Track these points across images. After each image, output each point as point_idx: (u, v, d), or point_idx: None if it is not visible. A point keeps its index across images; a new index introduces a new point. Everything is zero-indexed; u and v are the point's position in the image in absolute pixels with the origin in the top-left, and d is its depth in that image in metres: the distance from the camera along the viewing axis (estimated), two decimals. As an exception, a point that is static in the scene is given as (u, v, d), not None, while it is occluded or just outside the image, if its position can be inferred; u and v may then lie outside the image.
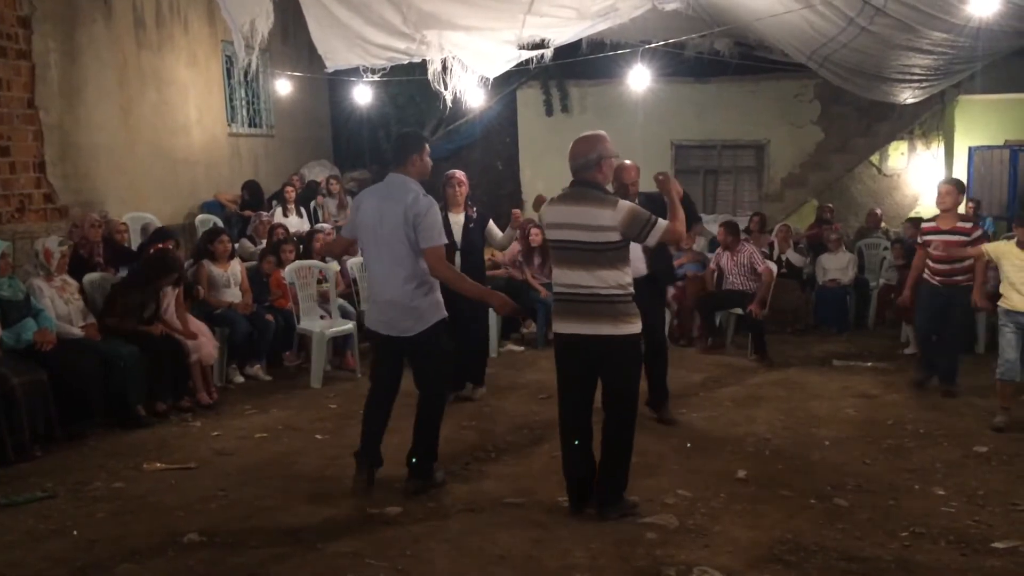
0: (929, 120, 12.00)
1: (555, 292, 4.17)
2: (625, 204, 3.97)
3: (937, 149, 12.15)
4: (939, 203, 6.30)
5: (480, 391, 6.45)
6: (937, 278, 6.34)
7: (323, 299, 7.52)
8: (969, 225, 6.27)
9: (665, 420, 5.75)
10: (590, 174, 4.05)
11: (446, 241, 4.39)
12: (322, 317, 7.36)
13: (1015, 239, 5.68)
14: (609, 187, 4.23)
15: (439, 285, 4.45)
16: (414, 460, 4.52)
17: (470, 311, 6.19)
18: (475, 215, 6.27)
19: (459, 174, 6.44)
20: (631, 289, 4.04)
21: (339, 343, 7.41)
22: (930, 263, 6.38)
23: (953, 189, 6.30)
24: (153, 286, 6.14)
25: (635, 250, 5.07)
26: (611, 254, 3.96)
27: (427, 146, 4.53)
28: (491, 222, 6.41)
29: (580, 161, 4.07)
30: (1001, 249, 5.76)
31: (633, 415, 4.16)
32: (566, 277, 4.06)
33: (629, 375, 4.12)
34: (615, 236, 3.93)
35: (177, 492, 4.63)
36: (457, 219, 6.22)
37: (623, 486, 4.20)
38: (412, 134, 4.66)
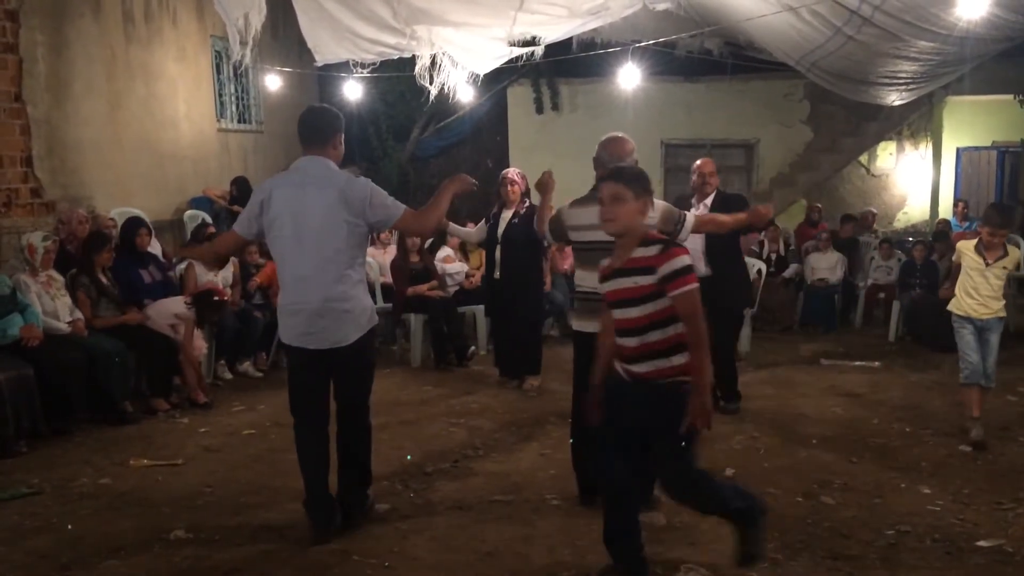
0: (917, 121, 12.07)
1: (580, 292, 4.23)
2: (659, 203, 4.17)
3: (925, 150, 12.23)
4: (630, 221, 3.31)
5: (533, 381, 6.55)
6: (621, 364, 3.38)
7: None
8: (655, 251, 3.20)
9: (728, 410, 5.91)
10: None
11: (404, 205, 3.88)
12: None
13: (977, 239, 5.29)
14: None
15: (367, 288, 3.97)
16: (348, 494, 4.00)
17: (515, 294, 6.38)
18: (524, 210, 6.46)
19: (511, 173, 6.59)
20: None
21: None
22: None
23: (628, 191, 3.31)
24: (93, 265, 6.11)
25: (693, 249, 5.32)
26: None
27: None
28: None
29: (617, 162, 4.12)
30: (964, 248, 5.32)
31: None
32: (595, 278, 4.07)
33: None
34: None
35: (163, 488, 4.62)
36: (506, 215, 6.54)
37: (654, 480, 4.24)
38: (332, 111, 3.95)
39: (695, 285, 3.19)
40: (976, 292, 5.26)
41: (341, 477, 4.02)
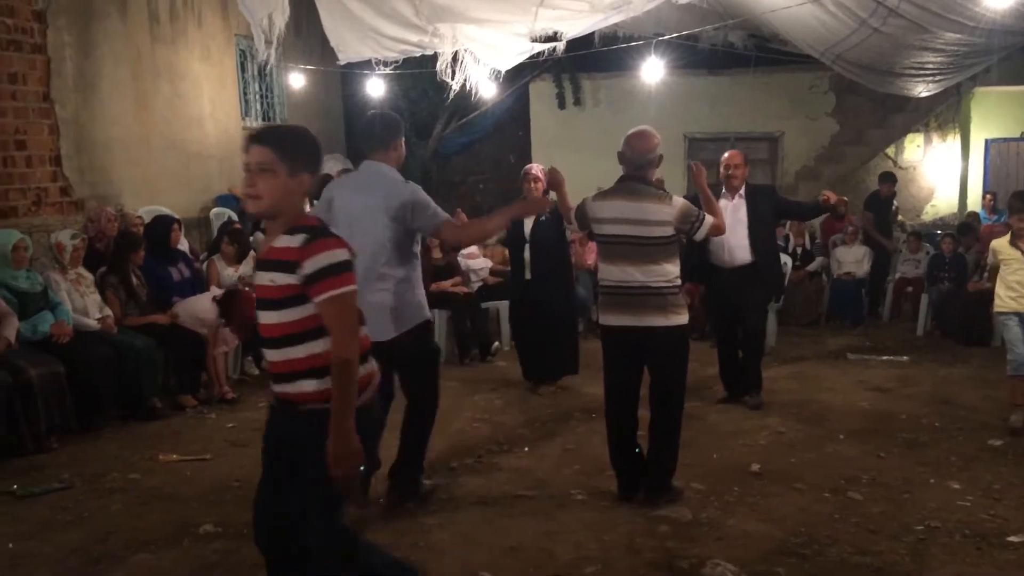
0: (945, 112, 11.91)
1: (603, 286, 4.26)
2: (679, 200, 4.18)
3: (953, 141, 12.07)
4: (281, 200, 2.55)
5: (566, 380, 6.48)
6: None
7: None
8: (299, 241, 2.46)
9: (752, 405, 5.92)
10: (648, 171, 4.20)
11: (446, 214, 4.05)
12: None
13: (1008, 233, 5.29)
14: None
15: (420, 285, 4.11)
16: (398, 474, 4.20)
17: (548, 296, 6.27)
18: (550, 208, 6.30)
19: (535, 169, 6.39)
20: (678, 281, 4.18)
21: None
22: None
23: (281, 164, 2.53)
24: (125, 264, 6.18)
25: (738, 238, 5.60)
26: (666, 248, 4.12)
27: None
28: None
29: (641, 158, 4.17)
30: (998, 246, 5.34)
31: (681, 405, 4.27)
32: (616, 272, 4.14)
33: (677, 365, 4.22)
34: (669, 231, 4.10)
35: (192, 483, 4.67)
36: None
37: (671, 473, 4.30)
38: (394, 116, 4.23)
39: (350, 288, 2.46)
40: (1020, 285, 5.20)
41: (397, 457, 4.20)
